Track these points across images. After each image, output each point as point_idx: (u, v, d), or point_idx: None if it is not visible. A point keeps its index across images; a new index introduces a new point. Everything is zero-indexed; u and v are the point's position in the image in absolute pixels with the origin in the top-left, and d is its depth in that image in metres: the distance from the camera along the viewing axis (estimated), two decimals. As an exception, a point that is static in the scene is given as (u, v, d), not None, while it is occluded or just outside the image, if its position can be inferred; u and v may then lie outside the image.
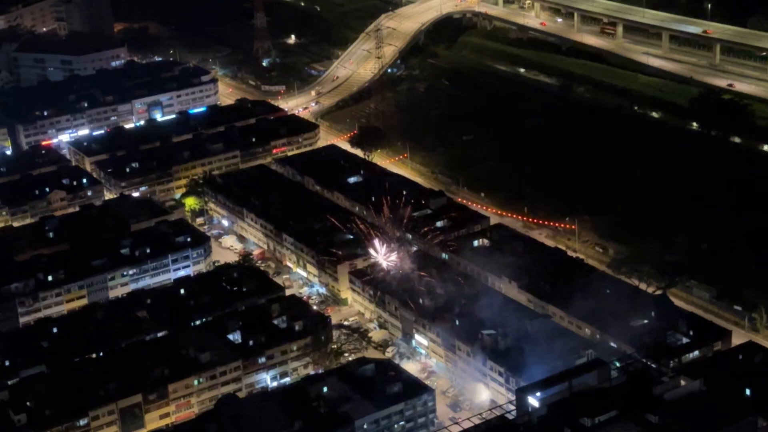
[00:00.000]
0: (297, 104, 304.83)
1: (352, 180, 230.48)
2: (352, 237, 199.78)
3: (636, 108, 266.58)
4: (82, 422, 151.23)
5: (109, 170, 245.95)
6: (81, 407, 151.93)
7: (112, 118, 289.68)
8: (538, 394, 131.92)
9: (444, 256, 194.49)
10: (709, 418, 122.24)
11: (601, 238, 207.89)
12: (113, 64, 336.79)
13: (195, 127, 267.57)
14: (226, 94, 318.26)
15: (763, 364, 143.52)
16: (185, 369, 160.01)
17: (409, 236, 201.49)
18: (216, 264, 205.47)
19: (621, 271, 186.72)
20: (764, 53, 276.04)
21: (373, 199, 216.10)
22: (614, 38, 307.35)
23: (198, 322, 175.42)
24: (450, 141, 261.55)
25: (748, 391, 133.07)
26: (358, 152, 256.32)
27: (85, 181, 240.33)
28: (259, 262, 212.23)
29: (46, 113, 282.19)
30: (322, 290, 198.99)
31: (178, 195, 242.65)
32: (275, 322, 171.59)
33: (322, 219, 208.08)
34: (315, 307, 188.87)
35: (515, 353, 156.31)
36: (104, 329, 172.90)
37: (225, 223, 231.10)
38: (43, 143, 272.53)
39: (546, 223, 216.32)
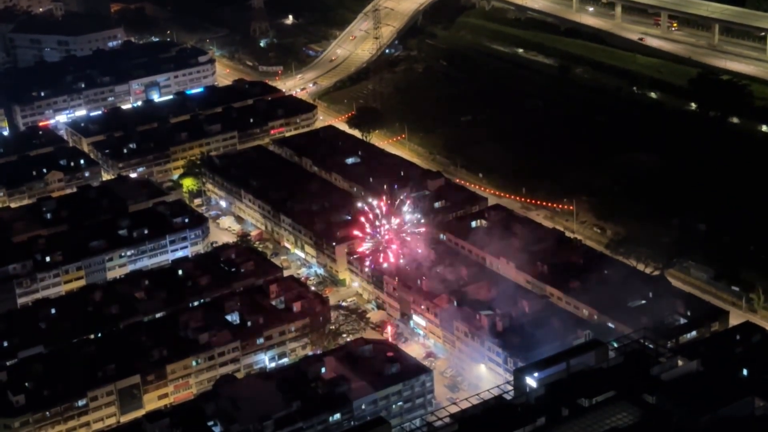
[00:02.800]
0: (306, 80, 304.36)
1: (349, 161, 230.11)
2: (349, 218, 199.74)
3: (634, 89, 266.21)
4: (80, 403, 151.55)
5: (107, 151, 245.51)
6: (79, 388, 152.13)
7: (110, 99, 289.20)
8: (535, 374, 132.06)
9: (442, 236, 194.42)
10: (707, 399, 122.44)
11: (600, 219, 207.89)
12: (110, 44, 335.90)
13: (192, 108, 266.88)
14: (224, 74, 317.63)
15: (761, 344, 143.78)
16: (183, 350, 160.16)
17: (407, 217, 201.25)
18: (214, 245, 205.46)
19: (619, 252, 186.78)
20: (762, 33, 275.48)
21: (371, 180, 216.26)
22: (669, 29, 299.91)
23: (196, 303, 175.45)
24: (448, 122, 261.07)
25: (745, 372, 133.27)
26: (356, 133, 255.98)
27: (82, 162, 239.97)
28: (257, 242, 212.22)
29: (43, 94, 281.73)
30: (320, 271, 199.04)
31: (175, 176, 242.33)
32: (273, 302, 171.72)
33: (320, 200, 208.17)
34: (313, 288, 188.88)
35: (513, 334, 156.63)
36: (102, 310, 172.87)
37: (223, 204, 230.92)
38: (40, 124, 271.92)
39: (544, 203, 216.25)
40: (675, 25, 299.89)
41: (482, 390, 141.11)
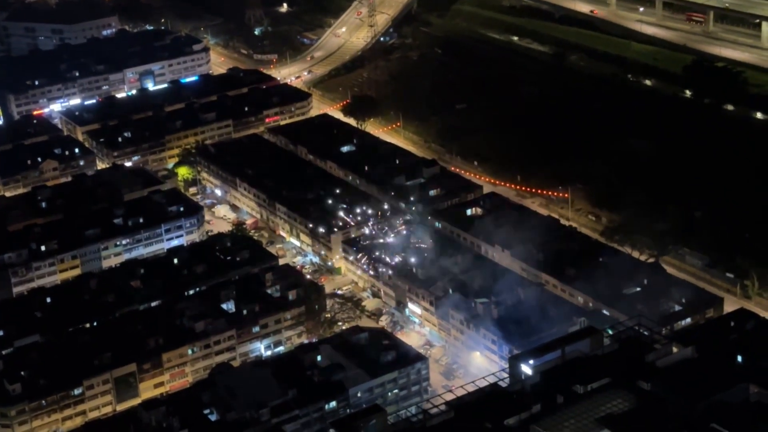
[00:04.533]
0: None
1: (345, 149, 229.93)
2: (345, 206, 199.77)
3: (629, 76, 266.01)
4: (76, 391, 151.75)
5: (102, 140, 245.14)
6: (75, 376, 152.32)
7: (104, 87, 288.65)
8: (531, 361, 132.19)
9: (437, 224, 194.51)
10: (701, 385, 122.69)
11: (595, 207, 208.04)
12: (104, 32, 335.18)
13: (187, 97, 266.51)
14: (218, 63, 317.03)
15: (755, 330, 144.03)
16: (179, 338, 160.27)
17: (402, 205, 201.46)
18: (209, 233, 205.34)
19: (614, 240, 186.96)
20: (757, 20, 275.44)
21: (366, 168, 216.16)
22: (703, 26, 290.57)
23: (192, 292, 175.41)
24: (443, 110, 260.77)
25: (739, 358, 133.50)
26: (351, 121, 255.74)
27: (77, 150, 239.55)
28: (253, 231, 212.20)
29: (37, 83, 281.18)
30: (316, 259, 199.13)
31: (170, 165, 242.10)
32: (269, 291, 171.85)
33: (315, 188, 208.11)
34: (308, 276, 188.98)
35: (508, 321, 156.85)
36: (98, 299, 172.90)
37: (218, 192, 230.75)
38: (35, 113, 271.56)
39: (539, 191, 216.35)
40: (704, 17, 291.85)
41: (478, 377, 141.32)
